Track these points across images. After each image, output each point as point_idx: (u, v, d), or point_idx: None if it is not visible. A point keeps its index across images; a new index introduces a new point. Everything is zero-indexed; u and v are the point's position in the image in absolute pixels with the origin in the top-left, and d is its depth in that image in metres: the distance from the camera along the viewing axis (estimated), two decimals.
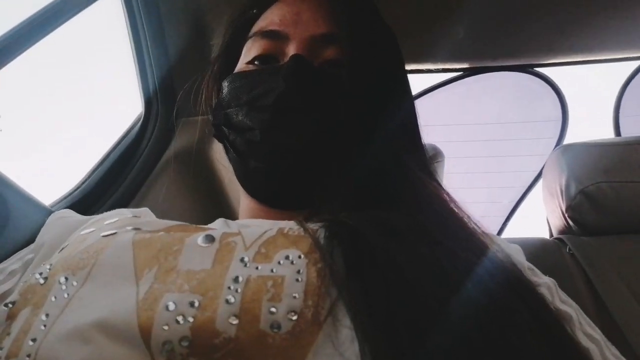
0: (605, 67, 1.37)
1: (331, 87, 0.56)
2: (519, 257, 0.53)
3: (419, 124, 0.62)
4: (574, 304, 0.50)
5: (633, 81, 1.62)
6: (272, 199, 0.60)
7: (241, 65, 0.63)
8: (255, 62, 0.61)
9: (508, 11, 1.09)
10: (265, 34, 0.61)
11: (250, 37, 0.63)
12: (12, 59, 0.66)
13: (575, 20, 1.11)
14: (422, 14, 1.08)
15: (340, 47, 0.58)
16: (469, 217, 0.52)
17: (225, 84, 0.62)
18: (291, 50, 0.58)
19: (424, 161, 0.60)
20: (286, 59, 0.58)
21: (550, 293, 0.48)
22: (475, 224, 0.50)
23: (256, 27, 0.63)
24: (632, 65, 1.56)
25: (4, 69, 0.64)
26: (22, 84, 0.78)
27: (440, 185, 0.57)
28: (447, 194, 0.56)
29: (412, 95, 0.64)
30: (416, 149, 0.60)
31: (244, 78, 0.60)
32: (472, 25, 1.13)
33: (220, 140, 0.64)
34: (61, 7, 0.73)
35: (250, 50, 0.62)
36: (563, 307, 0.47)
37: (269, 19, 0.62)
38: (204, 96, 0.73)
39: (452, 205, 0.52)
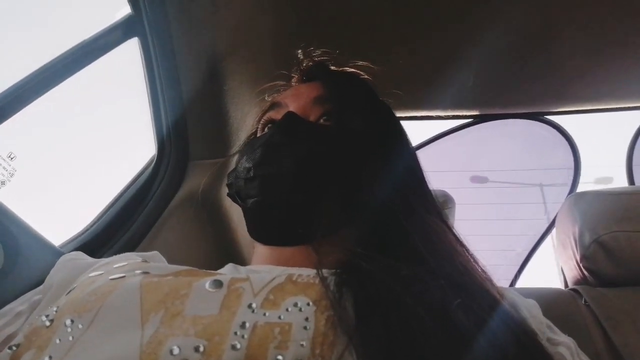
0: (617, 115, 1.37)
1: (318, 132, 0.63)
2: (536, 313, 0.52)
3: (421, 168, 0.67)
4: None
5: None
6: (269, 232, 0.61)
7: None
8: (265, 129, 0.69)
9: (518, 59, 1.11)
10: (270, 107, 0.70)
11: (263, 115, 0.72)
12: (31, 102, 0.68)
13: (586, 69, 1.13)
14: (433, 62, 1.10)
15: (331, 106, 0.65)
16: (481, 266, 0.51)
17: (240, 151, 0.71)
18: (286, 110, 0.65)
19: (432, 204, 0.62)
20: None
21: (570, 353, 0.47)
22: (487, 275, 0.50)
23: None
24: None
25: (22, 111, 0.66)
26: (38, 126, 0.80)
27: (452, 230, 0.58)
28: (459, 241, 0.56)
29: (407, 140, 0.70)
30: (422, 191, 0.63)
31: (251, 140, 0.69)
32: (482, 72, 1.14)
33: (232, 199, 0.68)
34: (81, 53, 0.75)
35: (261, 124, 0.71)
36: None
37: (276, 98, 0.72)
38: None
39: (464, 253, 0.52)
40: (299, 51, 0.79)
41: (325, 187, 0.56)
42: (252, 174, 0.60)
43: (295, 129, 0.61)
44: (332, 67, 0.77)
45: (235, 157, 0.73)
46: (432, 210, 0.60)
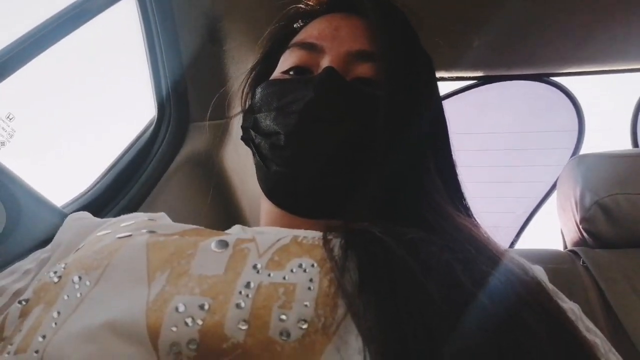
0: (623, 77, 1.35)
1: (361, 102, 0.56)
2: (543, 279, 0.52)
3: (449, 141, 0.62)
4: (599, 333, 0.48)
5: None
6: (291, 204, 0.58)
7: (277, 74, 0.64)
8: (291, 72, 0.61)
9: (523, 20, 1.08)
10: (303, 46, 0.61)
11: (289, 48, 0.63)
12: (28, 61, 0.67)
13: (592, 30, 1.10)
14: (437, 22, 1.07)
15: (375, 65, 0.58)
16: (489, 234, 0.51)
17: (258, 89, 0.63)
18: (325, 62, 0.58)
19: (453, 177, 0.60)
20: (320, 70, 0.58)
21: (575, 318, 0.46)
22: (495, 243, 0.49)
23: (295, 39, 0.64)
24: None
25: (20, 70, 0.65)
26: (36, 86, 0.79)
27: (467, 207, 0.59)
28: (470, 216, 0.57)
29: (444, 116, 0.64)
30: (447, 166, 0.60)
31: (276, 85, 0.60)
32: (487, 33, 1.12)
33: (246, 143, 0.64)
34: (78, 11, 0.73)
35: (286, 61, 0.63)
36: (588, 335, 0.45)
37: (308, 32, 0.63)
38: (242, 101, 0.73)
39: (472, 225, 0.52)
40: None
41: (363, 169, 0.53)
42: (282, 142, 0.55)
43: (338, 97, 0.55)
44: None
45: (258, 91, 0.63)
46: (451, 186, 0.59)
